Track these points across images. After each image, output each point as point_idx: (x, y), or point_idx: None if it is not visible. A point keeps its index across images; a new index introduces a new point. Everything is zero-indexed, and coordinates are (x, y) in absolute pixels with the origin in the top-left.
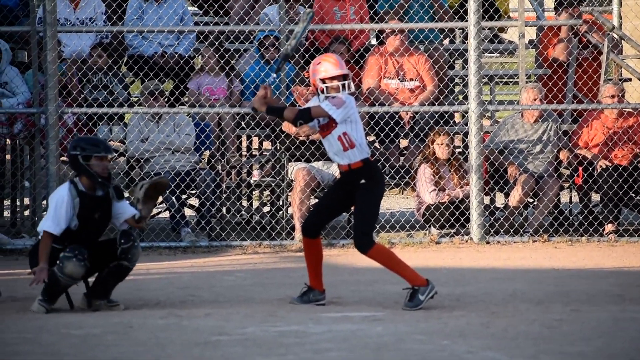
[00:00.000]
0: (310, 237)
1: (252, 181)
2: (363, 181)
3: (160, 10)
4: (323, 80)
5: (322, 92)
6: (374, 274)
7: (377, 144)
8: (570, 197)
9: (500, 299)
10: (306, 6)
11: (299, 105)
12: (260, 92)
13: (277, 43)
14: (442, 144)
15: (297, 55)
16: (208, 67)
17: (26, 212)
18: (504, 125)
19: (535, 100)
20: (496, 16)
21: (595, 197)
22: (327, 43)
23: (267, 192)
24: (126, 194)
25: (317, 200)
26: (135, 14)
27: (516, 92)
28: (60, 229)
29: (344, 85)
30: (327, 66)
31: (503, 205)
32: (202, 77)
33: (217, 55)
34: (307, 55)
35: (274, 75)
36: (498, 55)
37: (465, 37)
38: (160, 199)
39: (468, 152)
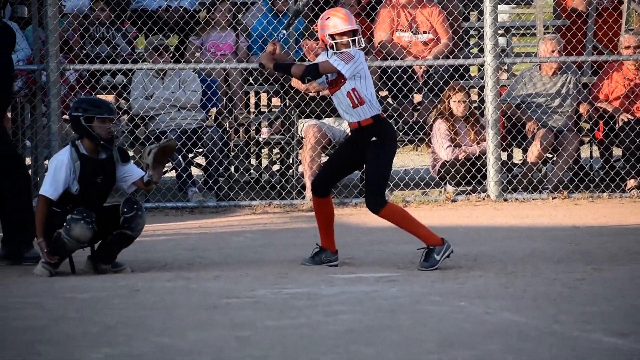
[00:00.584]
0: (321, 196)
1: (260, 139)
2: (374, 139)
3: None
4: (332, 36)
5: (331, 48)
6: (387, 234)
7: (389, 100)
8: (591, 152)
9: (518, 259)
10: None
11: (309, 60)
12: (268, 47)
13: None
14: (458, 101)
15: (306, 9)
16: (214, 21)
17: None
18: (522, 78)
19: (553, 52)
20: None
21: (617, 151)
22: None
23: (276, 150)
24: (130, 153)
25: (327, 158)
26: None
27: (534, 44)
28: (58, 193)
29: (354, 41)
30: (335, 21)
31: (521, 161)
32: (206, 34)
33: (224, 10)
34: (316, 8)
35: (284, 31)
36: (515, 5)
37: None
38: None
39: (484, 107)
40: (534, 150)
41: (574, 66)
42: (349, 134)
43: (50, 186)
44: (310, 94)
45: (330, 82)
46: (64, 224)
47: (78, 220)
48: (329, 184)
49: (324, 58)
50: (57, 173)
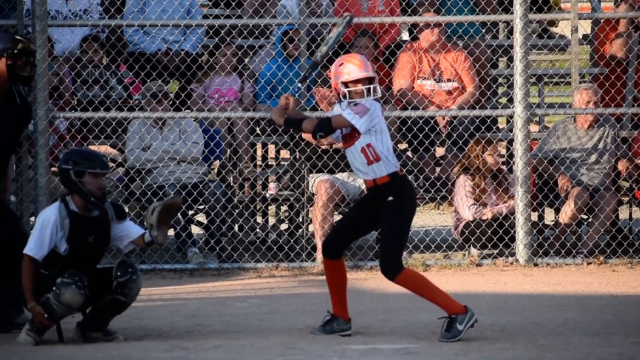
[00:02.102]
0: (333, 258)
1: (267, 195)
2: (391, 198)
3: (164, 2)
4: (346, 84)
5: (345, 97)
6: (405, 301)
7: (409, 153)
8: (630, 213)
9: (550, 330)
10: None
11: (321, 109)
12: (281, 101)
13: (297, 38)
14: (485, 156)
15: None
16: (218, 65)
17: None
18: (555, 131)
19: (589, 103)
20: (545, 8)
21: None
22: (353, 38)
23: (284, 208)
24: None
25: (341, 216)
26: (135, 6)
27: (568, 94)
28: (43, 253)
29: (369, 90)
30: (350, 68)
31: (553, 223)
32: (210, 80)
33: (228, 53)
34: (330, 53)
35: (300, 84)
36: (548, 52)
37: (511, 32)
38: None
39: (513, 162)
40: (568, 211)
41: (612, 119)
42: (365, 190)
43: (35, 245)
44: (323, 147)
45: (344, 136)
46: (53, 288)
47: (69, 285)
48: (342, 246)
49: (338, 111)
50: (43, 231)
